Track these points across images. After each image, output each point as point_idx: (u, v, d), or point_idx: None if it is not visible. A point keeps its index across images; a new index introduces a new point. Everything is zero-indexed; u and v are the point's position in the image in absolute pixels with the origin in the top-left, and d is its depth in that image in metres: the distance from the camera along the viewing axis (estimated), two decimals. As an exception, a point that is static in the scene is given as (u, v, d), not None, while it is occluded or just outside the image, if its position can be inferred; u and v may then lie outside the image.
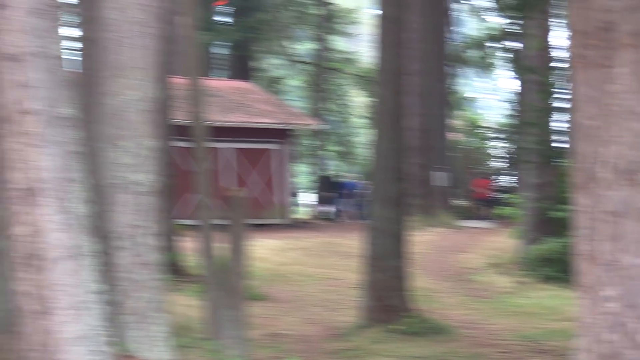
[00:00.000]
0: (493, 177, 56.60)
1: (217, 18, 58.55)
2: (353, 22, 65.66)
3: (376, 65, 23.12)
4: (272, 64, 68.09)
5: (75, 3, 14.38)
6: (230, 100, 43.78)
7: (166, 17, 17.54)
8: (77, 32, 13.78)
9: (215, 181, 21.02)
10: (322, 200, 54.22)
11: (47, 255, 10.49)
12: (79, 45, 13.56)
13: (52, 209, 10.51)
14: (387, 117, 22.29)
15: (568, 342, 14.41)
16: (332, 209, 52.57)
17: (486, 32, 59.29)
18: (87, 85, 13.18)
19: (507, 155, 59.94)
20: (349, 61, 67.05)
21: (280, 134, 43.88)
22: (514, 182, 52.85)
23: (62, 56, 11.01)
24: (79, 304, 10.64)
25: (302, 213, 54.52)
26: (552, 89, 30.01)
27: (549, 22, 31.40)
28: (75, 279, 10.64)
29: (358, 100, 70.06)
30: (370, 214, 22.66)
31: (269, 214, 41.80)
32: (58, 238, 10.53)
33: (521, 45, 39.28)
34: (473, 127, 62.16)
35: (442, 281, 30.02)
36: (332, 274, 29.90)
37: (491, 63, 63.60)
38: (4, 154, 10.62)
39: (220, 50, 62.54)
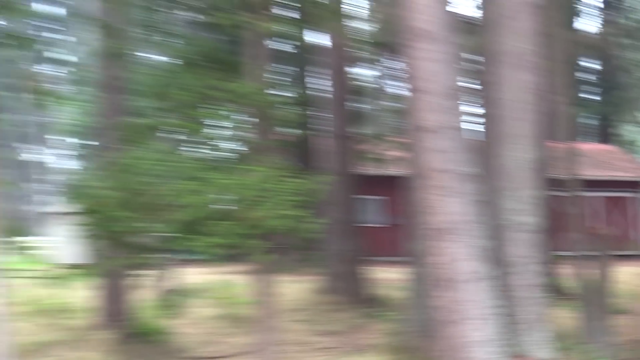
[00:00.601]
0: None
1: (584, 95, 57.42)
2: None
3: None
4: (628, 130, 66.14)
5: (479, 88, 14.36)
6: (595, 159, 42.87)
7: (545, 96, 17.24)
8: (479, 110, 13.78)
9: (585, 222, 20.52)
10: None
11: (457, 278, 10.48)
12: (480, 119, 13.57)
13: (460, 244, 10.49)
14: None
15: None
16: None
17: None
18: (485, 149, 13.15)
19: None
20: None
21: (635, 185, 42.59)
22: None
23: (467, 128, 11.02)
24: (483, 316, 10.55)
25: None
26: None
27: None
28: (479, 297, 10.56)
29: None
30: None
31: (627, 247, 40.44)
32: (466, 265, 10.50)
33: None
34: None
35: None
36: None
37: None
38: (421, 202, 10.71)
39: (587, 120, 61.37)
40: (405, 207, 16.74)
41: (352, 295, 20.92)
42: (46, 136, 54.90)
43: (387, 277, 22.63)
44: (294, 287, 21.96)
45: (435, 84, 10.55)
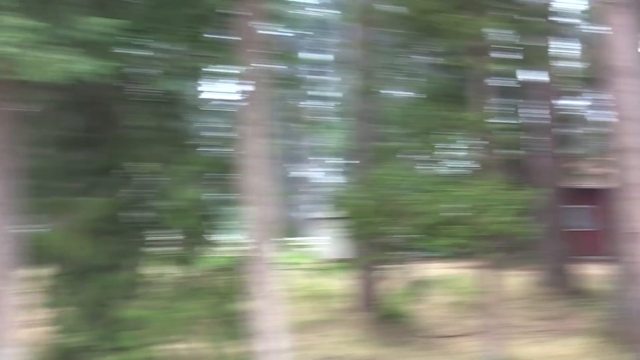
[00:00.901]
0: None
1: None
2: None
3: None
4: None
5: None
6: None
7: None
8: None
9: None
10: None
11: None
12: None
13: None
14: None
15: None
16: None
17: None
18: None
19: None
20: None
21: None
22: None
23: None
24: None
25: None
26: None
27: None
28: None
29: None
30: None
31: None
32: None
33: None
34: None
35: None
36: None
37: None
38: (622, 211, 10.52)
39: None
40: (607, 214, 16.31)
41: (562, 287, 20.54)
42: (312, 157, 56.71)
43: (592, 273, 21.98)
44: (514, 280, 21.66)
45: (634, 111, 10.35)
